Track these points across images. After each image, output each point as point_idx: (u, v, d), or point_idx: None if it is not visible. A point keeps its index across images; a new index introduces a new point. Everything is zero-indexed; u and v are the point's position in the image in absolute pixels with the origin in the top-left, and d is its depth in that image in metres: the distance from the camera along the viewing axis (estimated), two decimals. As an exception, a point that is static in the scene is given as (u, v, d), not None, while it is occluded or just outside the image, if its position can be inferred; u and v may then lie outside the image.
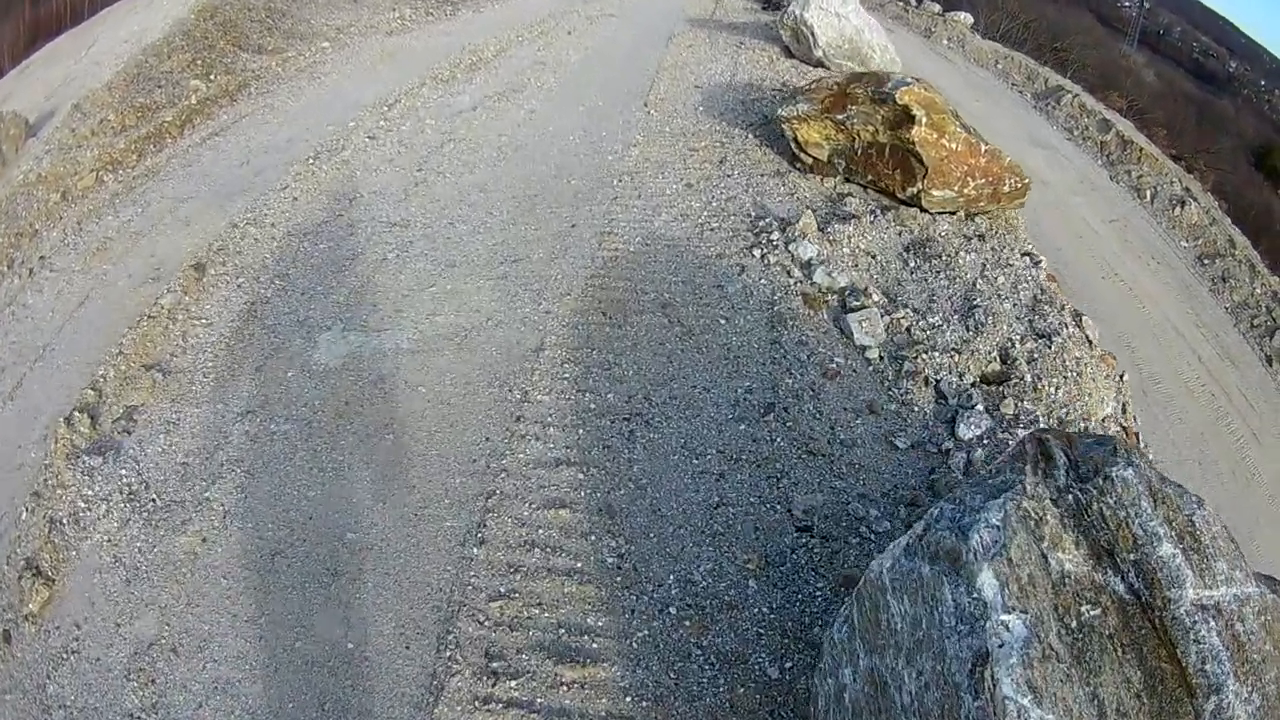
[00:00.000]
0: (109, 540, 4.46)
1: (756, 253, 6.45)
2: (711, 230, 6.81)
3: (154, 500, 4.63)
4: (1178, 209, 10.82)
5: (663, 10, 14.49)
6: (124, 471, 4.84)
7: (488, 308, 5.84)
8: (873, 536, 4.29)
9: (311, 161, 7.94)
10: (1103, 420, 5.18)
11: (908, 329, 5.62)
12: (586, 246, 6.58)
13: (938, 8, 16.69)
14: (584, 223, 6.89)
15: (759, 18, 13.64)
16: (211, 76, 10.70)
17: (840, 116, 7.14)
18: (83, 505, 4.69)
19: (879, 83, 7.13)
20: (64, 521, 4.62)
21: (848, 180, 7.37)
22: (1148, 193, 11.05)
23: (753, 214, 6.98)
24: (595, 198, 7.29)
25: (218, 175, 8.21)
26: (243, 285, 6.22)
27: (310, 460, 4.70)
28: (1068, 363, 5.44)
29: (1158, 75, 24.61)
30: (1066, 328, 5.76)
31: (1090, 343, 5.84)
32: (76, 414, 5.31)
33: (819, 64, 10.35)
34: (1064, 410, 5.10)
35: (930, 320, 5.71)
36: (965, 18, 16.03)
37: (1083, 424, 5.01)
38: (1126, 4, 29.30)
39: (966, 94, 12.41)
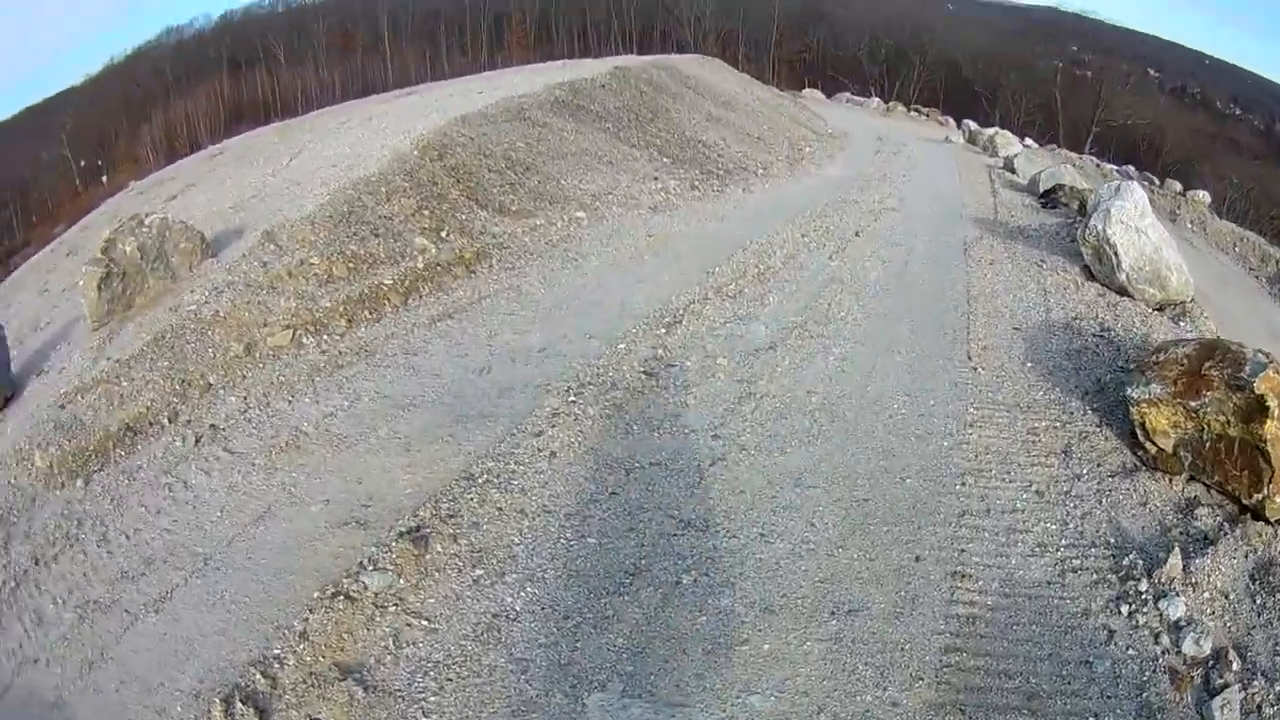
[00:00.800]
0: None
1: (1123, 609, 6.11)
2: (1073, 571, 6.45)
3: None
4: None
5: (942, 203, 16.39)
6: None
7: (818, 689, 5.34)
8: None
9: (574, 398, 8.03)
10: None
11: (1259, 705, 5.58)
12: (937, 594, 6.14)
13: (1179, 186, 20.46)
14: (930, 554, 6.50)
15: (1042, 219, 15.15)
16: (443, 235, 11.20)
17: (1194, 404, 7.39)
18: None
19: (1236, 364, 7.39)
20: None
21: (1193, 478, 7.54)
22: (1371, 391, 11.21)
23: (1112, 541, 6.74)
24: (938, 511, 6.95)
25: (450, 380, 8.50)
26: (481, 581, 6.03)
27: None
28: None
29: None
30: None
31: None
32: (240, 702, 5.08)
33: (1121, 290, 11.39)
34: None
35: (1275, 689, 5.60)
36: (1204, 196, 19.57)
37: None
38: (1324, 168, 34.27)
39: (1211, 283, 13.57)
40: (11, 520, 7.24)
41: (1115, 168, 42.88)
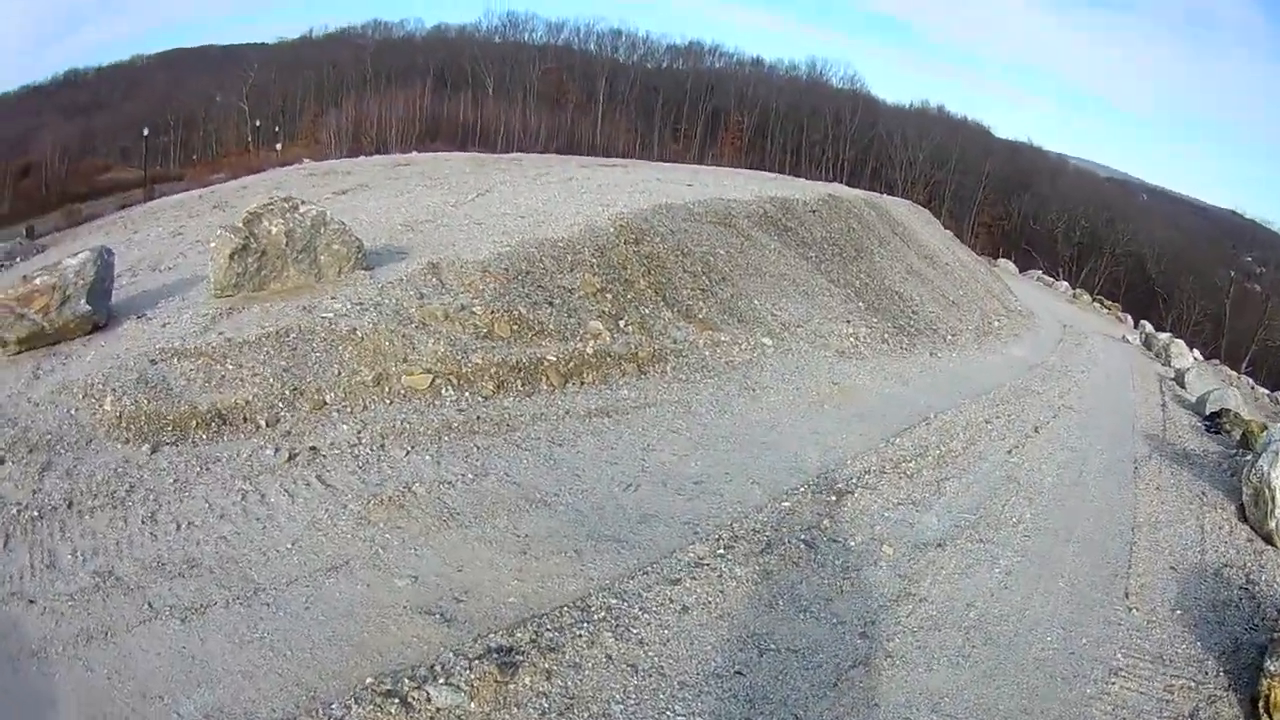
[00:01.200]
0: None
1: None
2: None
3: None
4: None
5: (1117, 409, 17.10)
6: None
7: None
8: None
9: (723, 550, 7.48)
10: None
11: None
12: None
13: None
14: (1053, 804, 5.99)
15: (1206, 445, 15.50)
16: (622, 324, 10.93)
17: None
18: None
19: None
20: None
21: None
22: None
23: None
24: (1070, 759, 6.59)
25: (591, 484, 8.12)
26: (561, 736, 5.48)
27: None
28: None
29: None
30: None
31: None
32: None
33: (1268, 537, 11.42)
34: None
35: None
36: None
37: None
38: None
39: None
40: (58, 450, 7.09)
41: (1267, 392, 45.82)
